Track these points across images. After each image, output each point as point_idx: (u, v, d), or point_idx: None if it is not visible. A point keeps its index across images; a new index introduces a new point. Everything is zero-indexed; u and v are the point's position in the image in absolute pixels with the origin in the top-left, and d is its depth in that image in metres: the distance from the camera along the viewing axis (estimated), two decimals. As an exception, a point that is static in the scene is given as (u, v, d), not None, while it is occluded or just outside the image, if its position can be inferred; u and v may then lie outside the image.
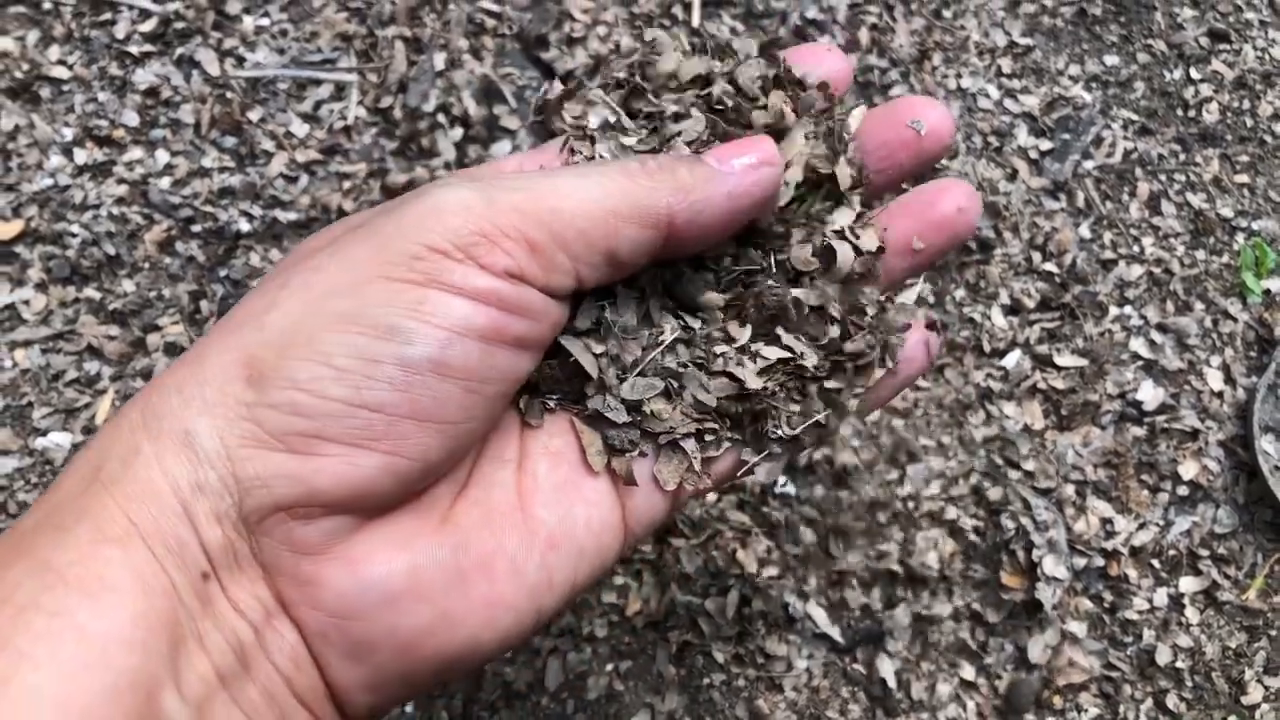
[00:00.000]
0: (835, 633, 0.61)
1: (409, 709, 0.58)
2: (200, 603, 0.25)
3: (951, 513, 0.64)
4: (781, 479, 0.63)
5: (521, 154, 0.34)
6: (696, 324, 0.32)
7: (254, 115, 0.68)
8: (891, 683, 0.61)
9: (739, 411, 0.32)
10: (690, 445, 0.31)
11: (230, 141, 0.67)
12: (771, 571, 0.61)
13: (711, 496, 0.62)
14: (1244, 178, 0.74)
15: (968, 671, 0.62)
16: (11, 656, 0.21)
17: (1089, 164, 0.73)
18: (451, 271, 0.26)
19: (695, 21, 0.73)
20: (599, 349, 0.31)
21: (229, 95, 0.68)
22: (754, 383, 0.32)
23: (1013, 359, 0.67)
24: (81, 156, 0.66)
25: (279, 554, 0.26)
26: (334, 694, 0.27)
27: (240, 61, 0.69)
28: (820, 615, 0.61)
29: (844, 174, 0.33)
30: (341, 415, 0.26)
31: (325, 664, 0.27)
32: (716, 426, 0.32)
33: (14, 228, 0.65)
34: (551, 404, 0.31)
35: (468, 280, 0.26)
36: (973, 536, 0.64)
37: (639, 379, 0.31)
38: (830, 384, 0.33)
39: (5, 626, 0.22)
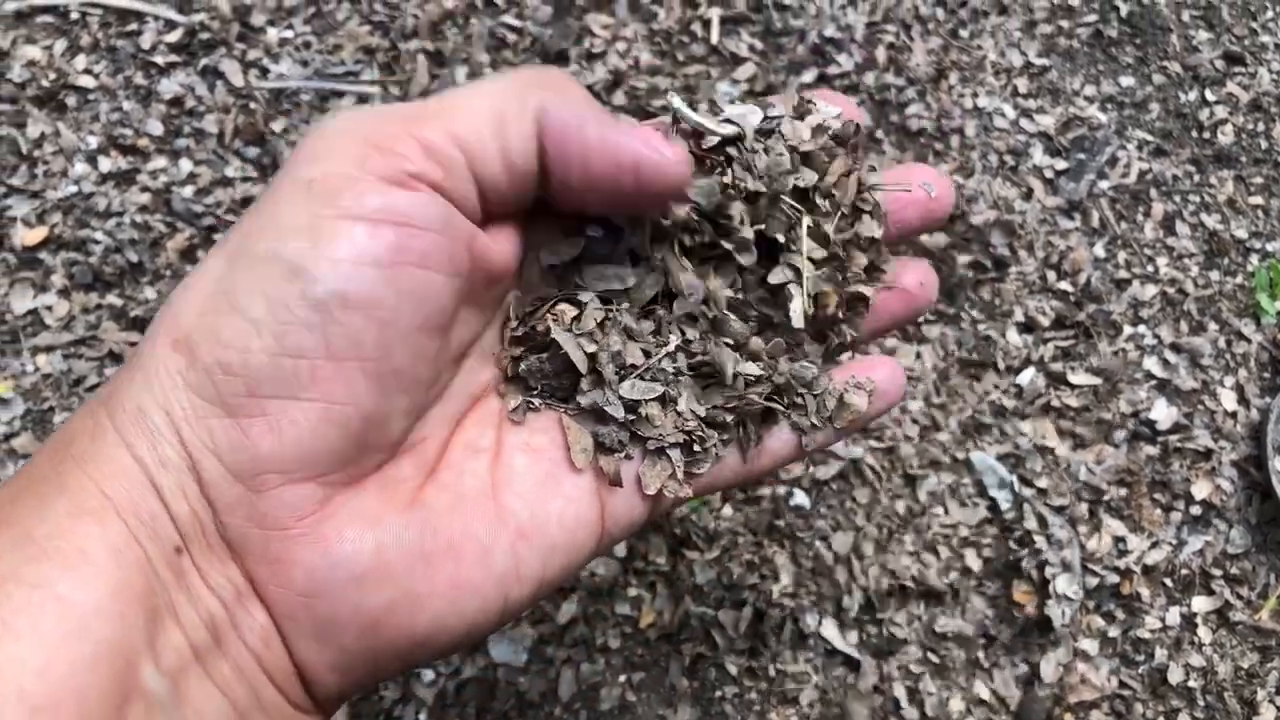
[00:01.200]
0: (848, 647, 0.61)
1: (422, 716, 0.58)
2: (174, 575, 0.25)
3: (965, 530, 0.64)
4: (797, 493, 0.63)
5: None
6: (696, 334, 0.33)
7: (277, 126, 0.69)
8: (903, 698, 0.61)
9: (727, 421, 0.32)
10: (676, 455, 0.32)
11: (253, 151, 0.68)
12: (785, 585, 0.61)
13: (727, 510, 0.63)
14: (1258, 199, 0.75)
15: (980, 688, 0.62)
16: (5, 635, 0.21)
17: (1104, 184, 0.74)
18: (341, 196, 0.25)
19: (715, 39, 0.74)
20: (591, 347, 0.31)
21: (252, 106, 0.69)
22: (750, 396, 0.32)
23: (1027, 376, 0.68)
24: (106, 164, 0.67)
25: (246, 532, 0.26)
26: (301, 673, 0.27)
27: (264, 73, 0.70)
28: (833, 629, 0.61)
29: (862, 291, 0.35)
30: (267, 367, 0.25)
31: (293, 644, 0.27)
32: (704, 436, 0.32)
33: (38, 234, 0.65)
34: (537, 404, 0.31)
35: (359, 202, 0.25)
36: (986, 553, 0.64)
37: (639, 381, 0.32)
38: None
39: None
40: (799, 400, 0.34)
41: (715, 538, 0.62)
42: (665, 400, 0.32)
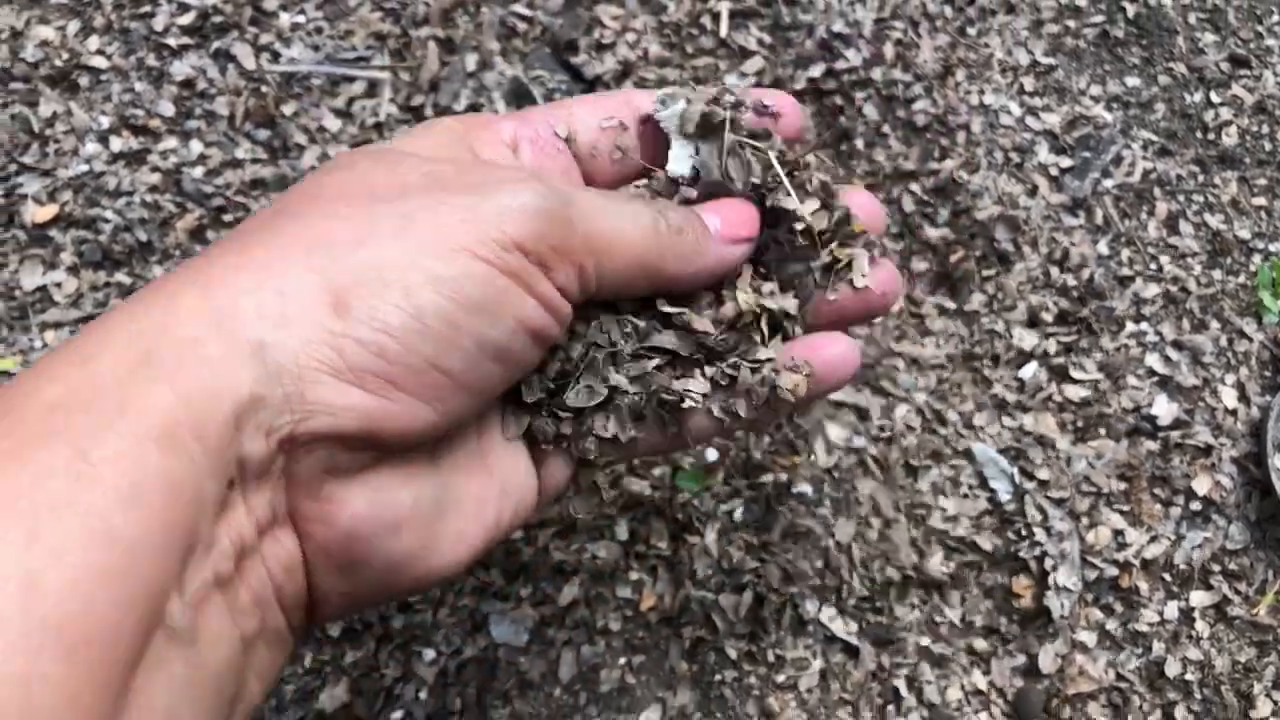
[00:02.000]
0: (847, 634, 0.62)
1: (422, 695, 0.58)
2: (219, 509, 0.25)
3: (965, 521, 0.64)
4: (798, 481, 0.63)
5: (510, 116, 0.37)
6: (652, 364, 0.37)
7: (288, 109, 0.69)
8: (902, 686, 0.61)
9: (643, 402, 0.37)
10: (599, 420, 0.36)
11: (264, 134, 0.69)
12: (785, 572, 0.62)
13: (725, 496, 0.63)
14: (1262, 200, 0.75)
15: (977, 677, 0.62)
16: (40, 554, 0.21)
17: (1108, 182, 0.74)
18: (530, 273, 0.29)
19: (724, 33, 0.74)
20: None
21: (264, 89, 0.69)
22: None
23: (1029, 370, 0.68)
24: (117, 144, 0.67)
25: (312, 473, 0.27)
26: (311, 601, 0.29)
27: (275, 57, 0.70)
28: (832, 617, 0.62)
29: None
30: (420, 371, 0.28)
31: (315, 574, 0.29)
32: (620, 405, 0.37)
33: (48, 212, 0.66)
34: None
35: (537, 284, 0.30)
36: (986, 544, 0.64)
37: (584, 388, 0.36)
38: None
39: (39, 519, 0.21)
40: (722, 381, 0.37)
41: (716, 523, 0.62)
42: (607, 406, 0.36)
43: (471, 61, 0.71)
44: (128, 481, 0.23)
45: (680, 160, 0.38)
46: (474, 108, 0.69)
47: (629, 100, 0.39)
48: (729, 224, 0.36)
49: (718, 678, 0.60)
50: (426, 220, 0.28)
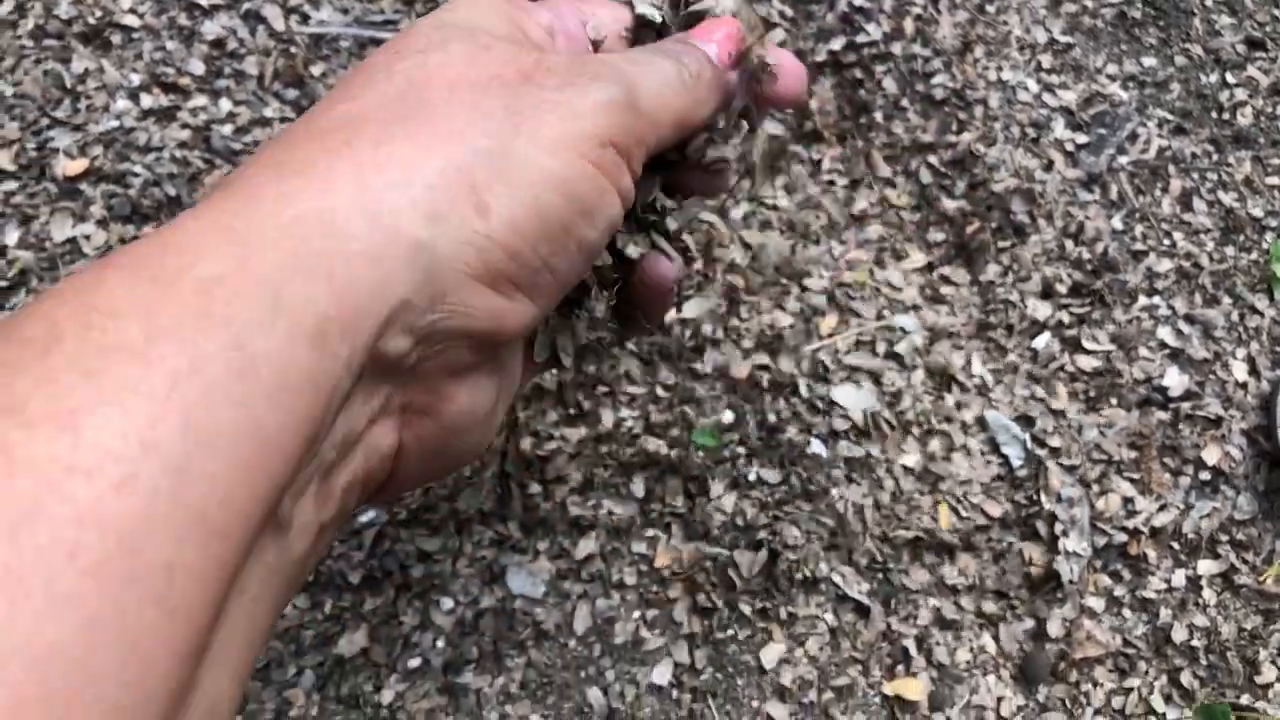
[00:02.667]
0: (859, 594, 0.63)
1: (440, 643, 0.59)
2: (341, 402, 0.25)
3: (977, 486, 0.65)
4: (814, 442, 0.64)
5: (541, 5, 0.36)
6: None
7: (316, 70, 0.70)
8: (911, 647, 0.62)
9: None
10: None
11: (292, 94, 0.70)
12: (799, 531, 0.62)
13: (741, 456, 0.64)
14: (1275, 180, 0.76)
15: (987, 640, 0.63)
16: (193, 443, 0.20)
17: (1124, 159, 0.75)
18: (621, 171, 0.30)
19: (745, 4, 0.75)
20: None
21: (293, 50, 0.70)
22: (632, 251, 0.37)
23: (1043, 340, 0.69)
24: (147, 101, 0.69)
25: (433, 370, 0.28)
26: (383, 486, 0.30)
27: (305, 19, 0.72)
28: (845, 576, 0.63)
29: None
30: (539, 271, 0.28)
31: (402, 462, 0.29)
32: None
33: (79, 165, 0.67)
34: None
35: (623, 181, 0.30)
36: (996, 510, 0.65)
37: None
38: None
39: (192, 407, 0.21)
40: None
41: (731, 482, 0.63)
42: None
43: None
44: (278, 379, 0.22)
45: (644, 2, 0.38)
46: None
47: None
48: (724, 47, 0.35)
49: (730, 633, 0.61)
50: (534, 116, 0.28)
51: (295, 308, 0.23)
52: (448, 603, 0.60)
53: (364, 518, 0.60)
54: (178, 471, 0.20)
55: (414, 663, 0.59)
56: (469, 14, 0.32)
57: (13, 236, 0.65)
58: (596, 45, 0.37)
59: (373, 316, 0.24)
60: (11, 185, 0.66)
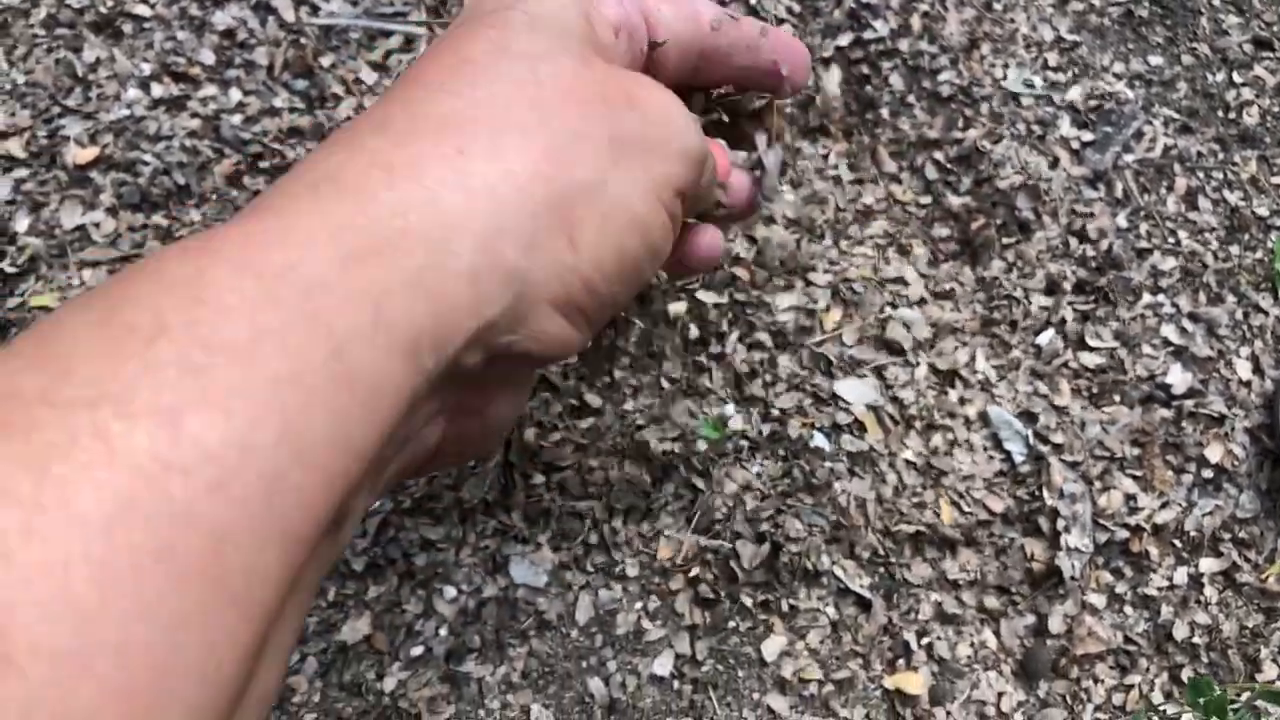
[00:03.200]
0: (860, 588, 0.63)
1: (442, 631, 0.60)
2: (415, 407, 0.26)
3: (980, 481, 0.65)
4: (817, 435, 0.64)
5: None
6: None
7: (325, 61, 0.70)
8: (912, 641, 0.62)
9: None
10: None
11: (301, 84, 0.70)
12: (801, 525, 0.63)
13: (744, 449, 0.64)
14: (1281, 179, 0.76)
15: (988, 636, 0.63)
16: (286, 452, 0.21)
17: (1129, 157, 0.75)
18: (679, 220, 0.31)
19: (753, 0, 0.75)
20: None
21: (302, 41, 0.71)
22: None
23: (1046, 337, 0.69)
24: (158, 90, 0.69)
25: (493, 380, 0.29)
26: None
27: (315, 10, 0.72)
28: (847, 570, 0.63)
29: None
30: (605, 305, 0.29)
31: (439, 455, 0.30)
32: None
33: (90, 154, 0.67)
34: None
35: (678, 229, 0.32)
36: (998, 505, 0.65)
37: None
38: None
39: (290, 417, 0.21)
40: None
41: (735, 475, 0.63)
42: None
43: (505, 20, 0.72)
44: (371, 391, 0.23)
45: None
46: (507, 65, 0.71)
47: (698, 13, 0.37)
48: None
49: (732, 624, 0.61)
50: (631, 155, 0.28)
51: (394, 322, 0.23)
52: (450, 591, 0.61)
53: (368, 506, 0.61)
54: (271, 479, 0.20)
55: (416, 651, 0.59)
56: (556, 9, 0.31)
57: (23, 223, 0.65)
58: (654, 46, 0.36)
59: (462, 333, 0.25)
60: (22, 173, 0.66)
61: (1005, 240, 0.71)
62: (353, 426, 0.22)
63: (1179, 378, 0.69)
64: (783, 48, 0.38)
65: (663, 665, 0.60)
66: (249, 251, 0.22)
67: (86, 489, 0.18)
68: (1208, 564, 0.66)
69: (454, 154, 0.26)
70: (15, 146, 0.67)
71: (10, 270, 0.64)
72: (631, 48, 0.34)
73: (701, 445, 0.63)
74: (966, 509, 0.65)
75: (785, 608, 0.62)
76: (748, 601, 0.62)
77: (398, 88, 0.28)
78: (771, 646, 0.61)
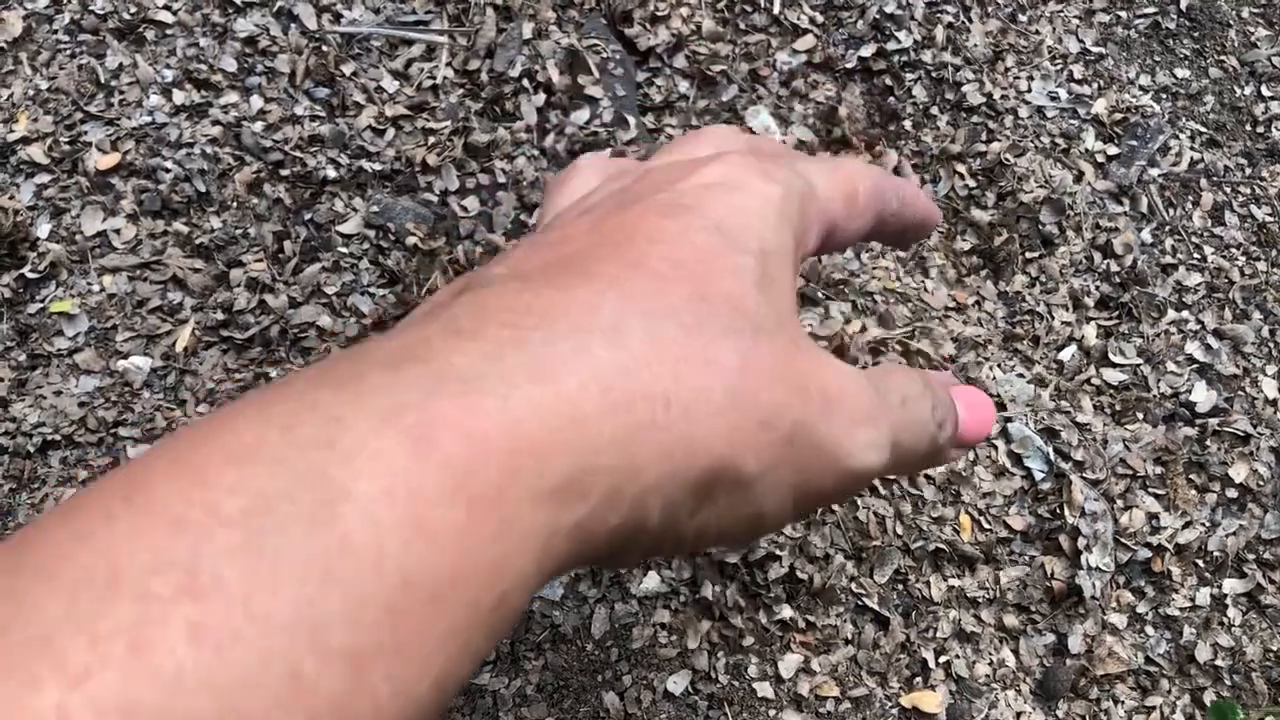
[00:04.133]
0: (879, 606, 0.62)
1: (459, 643, 0.60)
2: None
3: (1000, 499, 0.65)
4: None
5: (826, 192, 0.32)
6: None
7: (347, 69, 0.70)
8: (930, 659, 0.62)
9: None
10: None
11: (323, 92, 0.70)
12: (820, 541, 0.62)
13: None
14: (1309, 195, 0.75)
15: (1006, 653, 0.63)
16: None
17: (1154, 171, 0.74)
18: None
19: (776, 10, 0.75)
20: None
21: (324, 49, 0.71)
22: None
23: (1069, 352, 0.68)
24: (180, 97, 0.69)
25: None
26: None
27: (337, 18, 0.72)
28: (865, 587, 0.62)
29: None
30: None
31: None
32: None
33: (111, 160, 0.67)
34: None
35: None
36: (1019, 523, 0.64)
37: None
38: None
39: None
40: None
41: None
42: None
43: (528, 29, 0.72)
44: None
45: None
46: (528, 74, 0.70)
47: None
48: (975, 425, 0.34)
49: (749, 641, 0.61)
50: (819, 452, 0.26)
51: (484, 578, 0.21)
52: (466, 603, 0.60)
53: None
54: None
55: (431, 662, 0.59)
56: (728, 199, 0.28)
57: (44, 229, 0.65)
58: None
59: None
60: (44, 178, 0.66)
61: (1028, 254, 0.71)
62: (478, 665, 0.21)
63: (1203, 395, 0.68)
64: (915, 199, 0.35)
65: (678, 681, 0.60)
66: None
67: None
68: (1231, 585, 0.65)
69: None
70: (37, 152, 0.67)
71: (31, 275, 0.64)
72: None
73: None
74: (986, 526, 0.64)
75: (803, 624, 0.62)
76: (765, 618, 0.61)
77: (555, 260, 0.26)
78: (788, 663, 0.61)
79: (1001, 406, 0.67)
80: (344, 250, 0.67)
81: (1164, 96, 0.77)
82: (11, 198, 0.66)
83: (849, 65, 0.74)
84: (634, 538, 0.23)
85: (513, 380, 0.21)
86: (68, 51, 0.70)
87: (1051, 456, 0.65)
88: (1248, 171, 0.76)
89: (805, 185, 0.29)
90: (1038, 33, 0.78)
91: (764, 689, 0.60)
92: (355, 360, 0.22)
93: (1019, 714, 0.61)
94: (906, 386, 0.30)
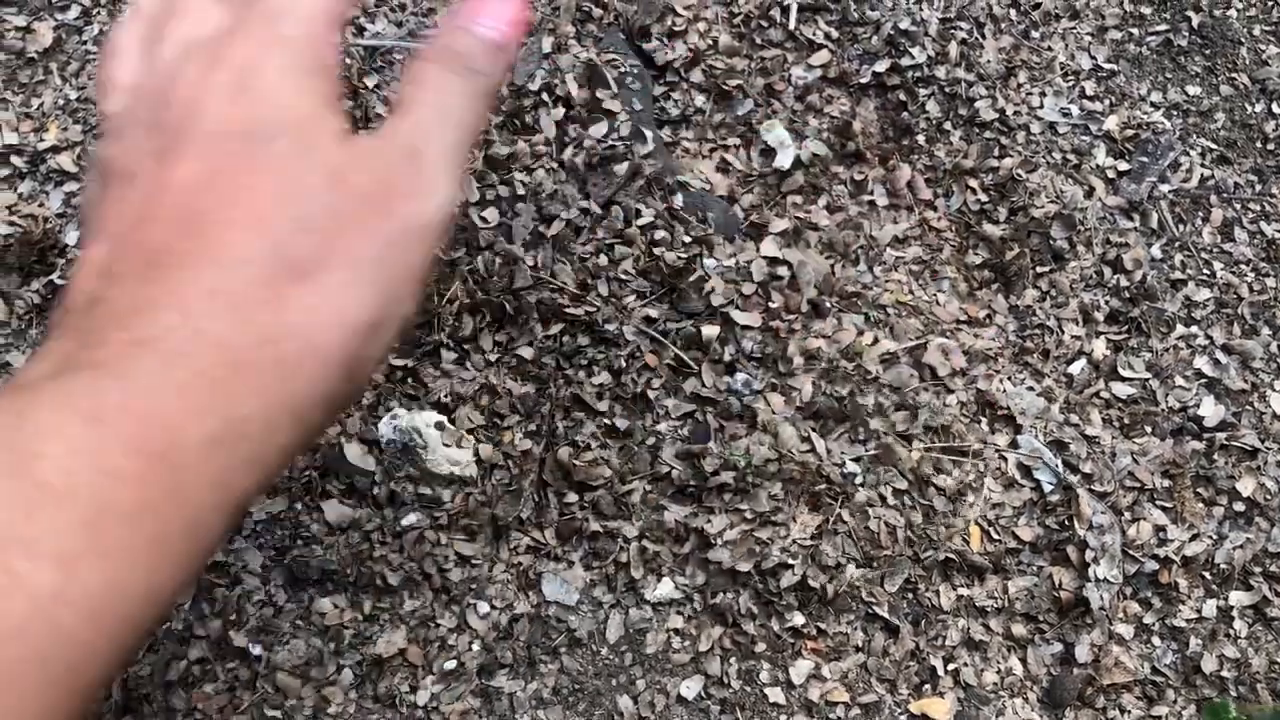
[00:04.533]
0: (889, 614, 0.63)
1: (475, 646, 0.61)
2: None
3: (1009, 510, 0.66)
4: (849, 463, 0.65)
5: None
6: None
7: (370, 81, 0.72)
8: (939, 667, 0.63)
9: None
10: None
11: (346, 104, 0.71)
12: (832, 549, 0.63)
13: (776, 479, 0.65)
14: (1318, 212, 0.76)
15: (1014, 662, 0.64)
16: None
17: (1165, 187, 0.75)
18: None
19: (792, 25, 0.76)
20: None
21: (347, 61, 0.72)
22: None
23: (1078, 366, 0.69)
24: (206, 108, 0.70)
25: None
26: None
27: (360, 31, 0.73)
28: (876, 595, 0.63)
29: None
30: None
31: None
32: None
33: (139, 169, 0.69)
34: None
35: None
36: (1027, 533, 0.65)
37: None
38: None
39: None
40: None
41: (759, 499, 0.64)
42: None
43: (547, 43, 0.73)
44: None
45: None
46: (547, 88, 0.72)
47: None
48: (502, 21, 0.37)
49: (760, 648, 0.62)
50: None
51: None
52: (484, 607, 0.62)
53: (405, 520, 0.62)
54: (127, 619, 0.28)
55: (449, 665, 0.60)
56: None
57: (73, 236, 0.66)
58: None
59: None
60: (73, 186, 0.68)
61: (1039, 269, 0.72)
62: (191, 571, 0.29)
63: (1211, 410, 0.69)
64: None
65: (691, 686, 0.61)
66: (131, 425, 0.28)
67: None
68: (1237, 597, 0.66)
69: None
70: (66, 161, 0.68)
71: (60, 282, 0.65)
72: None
73: (733, 469, 0.64)
74: (995, 536, 0.65)
75: (814, 631, 0.63)
76: (777, 625, 0.62)
77: None
78: (799, 669, 0.62)
79: (1011, 419, 0.68)
80: (366, 259, 0.68)
81: (1175, 113, 0.78)
82: (41, 205, 0.67)
83: (863, 80, 0.75)
84: (306, 437, 0.31)
85: (151, 369, 0.28)
86: (97, 62, 0.71)
87: (1060, 469, 0.66)
88: (1258, 188, 0.76)
89: None
90: (1050, 49, 0.79)
91: (775, 694, 0.61)
92: (23, 378, 0.29)
93: (1026, 722, 0.62)
94: (421, 93, 0.35)
